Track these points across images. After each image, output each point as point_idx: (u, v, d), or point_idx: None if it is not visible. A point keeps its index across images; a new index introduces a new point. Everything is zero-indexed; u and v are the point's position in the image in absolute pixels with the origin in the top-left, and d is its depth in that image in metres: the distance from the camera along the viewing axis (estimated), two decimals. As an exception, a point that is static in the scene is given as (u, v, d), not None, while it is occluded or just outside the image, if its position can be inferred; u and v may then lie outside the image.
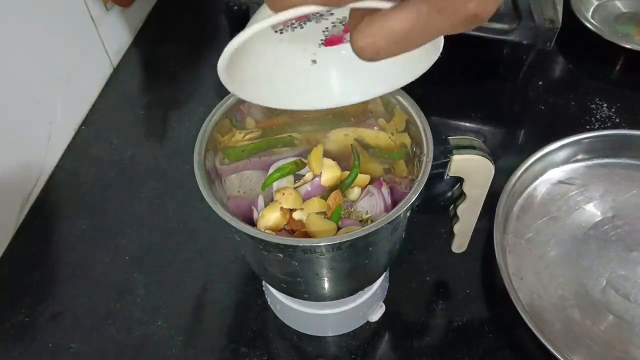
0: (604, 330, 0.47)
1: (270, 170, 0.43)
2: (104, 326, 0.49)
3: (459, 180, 0.38)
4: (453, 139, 0.35)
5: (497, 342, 0.47)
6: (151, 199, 0.58)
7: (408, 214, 0.35)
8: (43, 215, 0.57)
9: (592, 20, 0.72)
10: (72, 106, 0.64)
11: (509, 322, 0.48)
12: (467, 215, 0.40)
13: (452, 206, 0.42)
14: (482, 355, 0.46)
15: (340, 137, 0.43)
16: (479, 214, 0.40)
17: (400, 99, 0.37)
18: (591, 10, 0.75)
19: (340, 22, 0.27)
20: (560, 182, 0.57)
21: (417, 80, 0.36)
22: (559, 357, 0.42)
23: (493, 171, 0.36)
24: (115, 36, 0.71)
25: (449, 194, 0.55)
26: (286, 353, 0.47)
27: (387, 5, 0.20)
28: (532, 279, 0.50)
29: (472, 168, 0.35)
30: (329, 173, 0.42)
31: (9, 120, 0.53)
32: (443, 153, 0.34)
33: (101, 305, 0.50)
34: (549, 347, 0.43)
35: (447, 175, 0.35)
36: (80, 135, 0.64)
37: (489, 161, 0.35)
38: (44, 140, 0.59)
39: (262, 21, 0.21)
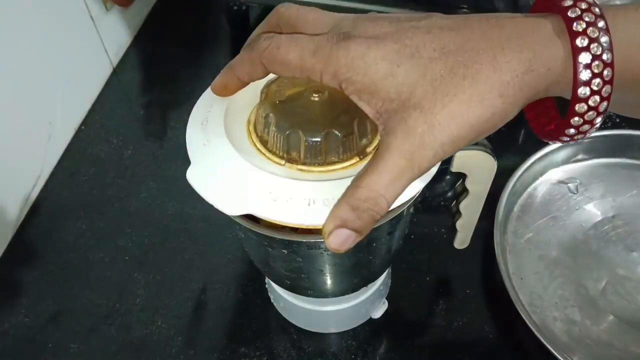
0: (604, 330, 0.46)
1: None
2: (103, 326, 0.49)
3: (462, 176, 0.38)
4: None
5: (497, 342, 0.47)
6: (151, 199, 0.58)
7: (411, 210, 0.35)
8: (43, 215, 0.57)
9: (592, 21, 0.72)
10: (72, 106, 0.64)
11: (509, 322, 0.48)
12: (469, 211, 0.40)
13: (454, 202, 0.42)
14: (481, 355, 0.46)
15: None
16: (481, 209, 0.40)
17: None
18: (591, 10, 0.75)
19: None
20: (561, 182, 0.57)
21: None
22: (559, 357, 0.42)
23: (495, 166, 0.36)
24: (115, 36, 0.71)
25: (449, 193, 0.55)
26: (286, 353, 0.47)
27: None
28: (532, 278, 0.50)
29: (475, 163, 0.35)
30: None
31: (9, 120, 0.53)
32: None
33: (101, 306, 0.50)
34: (549, 347, 0.43)
35: (450, 170, 0.35)
36: (80, 135, 0.64)
37: (491, 156, 0.35)
38: (43, 140, 0.59)
39: None
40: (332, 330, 0.48)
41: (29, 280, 0.52)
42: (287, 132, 0.29)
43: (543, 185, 0.57)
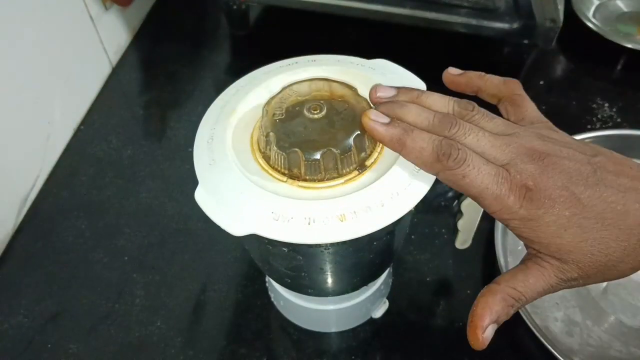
0: (605, 331, 0.46)
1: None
2: (102, 327, 0.48)
3: None
4: None
5: (497, 343, 0.47)
6: (150, 199, 0.58)
7: (412, 210, 0.35)
8: (42, 215, 0.57)
9: (593, 20, 0.72)
10: (71, 106, 0.64)
11: (510, 322, 0.47)
12: (471, 211, 0.40)
13: (456, 202, 0.42)
14: (482, 356, 0.46)
15: None
16: (482, 209, 0.40)
17: None
18: (592, 9, 0.75)
19: None
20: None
21: (418, 78, 0.36)
22: (560, 358, 0.42)
23: None
24: (114, 35, 0.71)
25: (450, 193, 0.55)
26: (286, 353, 0.47)
27: None
28: (533, 279, 0.50)
29: None
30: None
31: (8, 120, 0.53)
32: None
33: (100, 306, 0.50)
34: (549, 347, 0.42)
35: None
36: (79, 134, 0.64)
37: None
38: (42, 140, 0.59)
39: None
40: (333, 329, 0.48)
41: (28, 281, 0.52)
42: (288, 152, 0.30)
43: (544, 185, 0.56)
